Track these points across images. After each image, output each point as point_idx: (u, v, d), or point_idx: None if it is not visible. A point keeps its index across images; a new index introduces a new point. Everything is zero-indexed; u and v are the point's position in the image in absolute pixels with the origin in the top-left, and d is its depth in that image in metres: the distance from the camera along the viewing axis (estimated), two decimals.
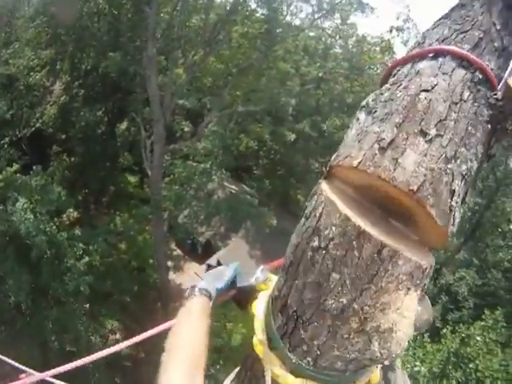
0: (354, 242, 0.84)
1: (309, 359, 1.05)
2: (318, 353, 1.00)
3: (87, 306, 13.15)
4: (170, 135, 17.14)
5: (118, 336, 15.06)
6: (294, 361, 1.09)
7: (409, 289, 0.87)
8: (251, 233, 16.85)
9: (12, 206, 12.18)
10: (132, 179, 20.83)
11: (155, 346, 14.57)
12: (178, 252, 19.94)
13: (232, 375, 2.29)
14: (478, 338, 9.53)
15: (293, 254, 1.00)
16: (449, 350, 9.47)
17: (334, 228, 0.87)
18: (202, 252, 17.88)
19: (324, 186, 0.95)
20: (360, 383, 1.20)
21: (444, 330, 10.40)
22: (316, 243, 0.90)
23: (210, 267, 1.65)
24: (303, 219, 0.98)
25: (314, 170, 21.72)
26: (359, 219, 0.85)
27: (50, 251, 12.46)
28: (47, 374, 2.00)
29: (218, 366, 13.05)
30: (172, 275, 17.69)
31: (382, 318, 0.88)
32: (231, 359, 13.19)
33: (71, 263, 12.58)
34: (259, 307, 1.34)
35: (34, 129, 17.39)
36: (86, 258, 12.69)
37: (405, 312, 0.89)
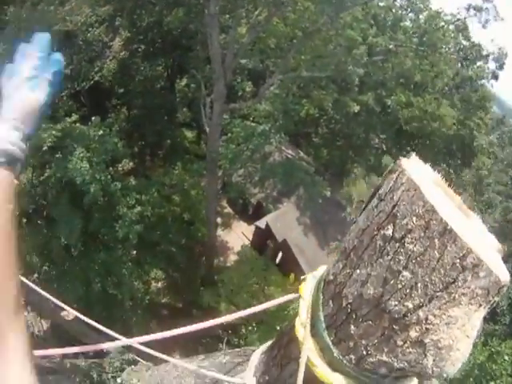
0: (437, 241, 0.72)
1: (352, 357, 0.97)
2: (364, 353, 0.92)
3: (134, 252, 13.60)
4: (230, 94, 17.01)
5: (159, 285, 15.84)
6: (335, 354, 1.01)
7: (480, 305, 0.76)
8: (303, 200, 16.65)
9: (69, 155, 12.56)
10: (188, 134, 21.07)
11: (196, 299, 15.33)
12: (229, 210, 20.37)
13: (263, 347, 2.23)
14: (506, 358, 9.07)
15: (358, 239, 0.88)
16: (475, 361, 9.08)
17: (414, 219, 0.73)
18: (252, 213, 18.06)
19: (406, 164, 0.80)
20: None
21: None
22: (389, 232, 0.77)
23: None
24: (376, 200, 0.85)
25: (374, 146, 20.91)
26: (445, 214, 0.71)
27: (103, 199, 12.88)
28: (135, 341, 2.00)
29: (250, 328, 13.42)
30: (219, 232, 18.05)
31: (445, 333, 0.78)
32: (265, 323, 13.52)
33: (123, 212, 12.93)
34: (307, 287, 1.24)
35: (92, 82, 17.75)
36: (138, 208, 12.98)
37: (469, 330, 0.79)
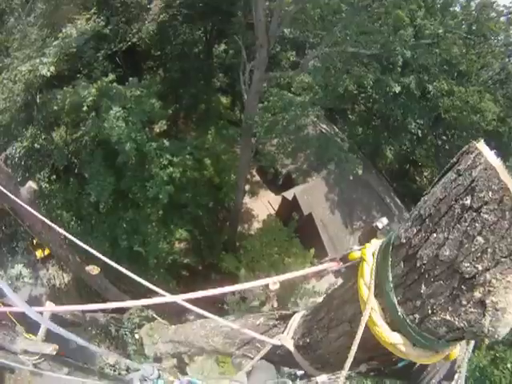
0: (508, 213, 0.83)
1: (416, 316, 1.06)
2: (430, 312, 1.02)
3: (161, 213, 13.83)
4: (270, 63, 16.80)
5: (182, 246, 16.23)
6: (399, 313, 1.11)
7: None
8: (333, 176, 16.62)
9: (105, 114, 12.63)
10: (223, 100, 21.01)
11: (216, 263, 15.72)
12: (257, 178, 20.62)
13: (304, 311, 2.31)
14: (509, 366, 9.02)
15: (434, 207, 0.98)
16: (478, 363, 9.09)
17: (490, 193, 0.85)
18: (281, 183, 18.12)
19: (481, 147, 0.93)
20: (442, 354, 1.24)
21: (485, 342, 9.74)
22: (468, 202, 0.89)
23: None
24: (454, 174, 0.95)
25: (411, 130, 20.34)
26: None
27: (137, 158, 13.06)
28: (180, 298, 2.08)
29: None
30: (246, 199, 18.21)
31: (503, 296, 0.88)
32: (286, 288, 13.72)
33: (155, 171, 13.13)
34: (369, 251, 1.36)
35: (129, 44, 17.72)
36: (170, 169, 13.18)
37: None
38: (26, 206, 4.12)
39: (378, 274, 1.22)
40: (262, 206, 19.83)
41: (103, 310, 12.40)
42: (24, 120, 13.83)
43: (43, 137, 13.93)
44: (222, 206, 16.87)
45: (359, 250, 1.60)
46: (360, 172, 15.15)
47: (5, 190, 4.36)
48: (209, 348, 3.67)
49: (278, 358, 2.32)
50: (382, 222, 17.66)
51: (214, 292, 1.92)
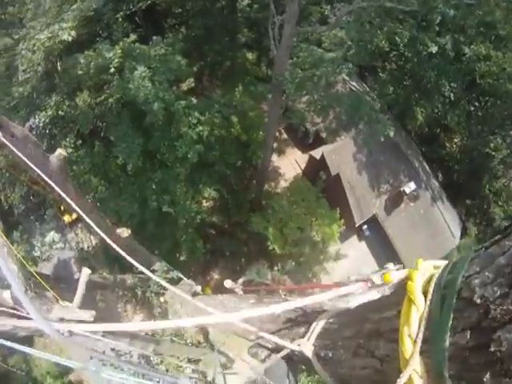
0: None
1: None
2: None
3: (189, 172, 13.76)
4: (299, 17, 15.90)
5: (209, 204, 16.20)
6: None
7: None
8: (362, 136, 16.16)
9: (129, 75, 12.32)
10: (249, 56, 20.29)
11: (243, 222, 15.72)
12: (285, 136, 20.22)
13: (328, 314, 2.05)
14: None
15: None
16: None
17: None
18: (311, 142, 17.78)
19: None
20: None
21: None
22: None
23: None
24: None
25: (443, 93, 19.38)
26: None
27: (164, 118, 12.79)
28: None
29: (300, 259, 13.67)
30: (273, 157, 18.01)
31: None
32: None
33: (184, 131, 12.90)
34: (417, 287, 1.12)
35: (148, 2, 17.02)
36: (200, 128, 12.94)
37: None
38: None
39: (429, 326, 0.95)
40: (289, 164, 19.58)
41: (131, 271, 12.64)
42: (46, 89, 13.72)
43: (67, 103, 13.84)
44: (249, 165, 16.68)
45: (396, 270, 1.43)
46: (391, 134, 14.63)
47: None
48: (227, 327, 3.56)
49: (296, 357, 2.14)
50: (410, 187, 17.31)
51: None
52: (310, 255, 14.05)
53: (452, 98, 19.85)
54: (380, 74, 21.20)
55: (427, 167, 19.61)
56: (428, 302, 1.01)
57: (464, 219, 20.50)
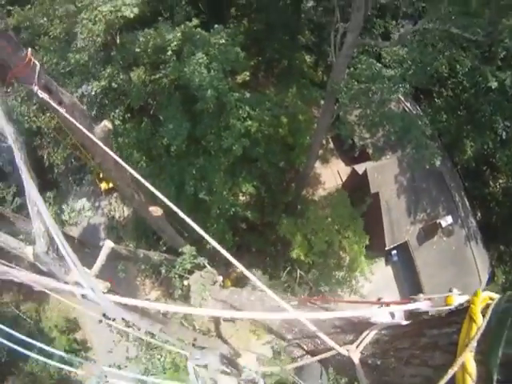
0: None
1: None
2: None
3: (231, 164, 13.74)
4: (363, 29, 15.64)
5: (245, 199, 16.15)
6: None
7: None
8: (407, 160, 15.78)
9: (187, 58, 12.35)
10: (307, 59, 20.11)
11: (275, 222, 15.57)
12: (331, 146, 20.09)
13: (381, 325, 2.21)
14: None
15: None
16: None
17: None
18: (356, 156, 17.58)
19: None
20: None
21: None
22: None
23: None
24: None
25: (496, 131, 18.74)
26: None
27: (215, 107, 12.78)
28: None
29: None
30: (316, 164, 17.86)
31: None
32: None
33: (232, 122, 12.89)
34: (479, 307, 1.37)
35: None
36: (249, 122, 12.90)
37: None
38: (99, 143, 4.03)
39: (486, 340, 1.16)
40: (331, 174, 19.44)
41: (157, 249, 12.63)
42: (102, 60, 13.88)
43: (121, 76, 13.90)
44: (291, 167, 16.56)
45: (460, 295, 1.68)
46: (438, 163, 14.24)
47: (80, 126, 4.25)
48: (262, 323, 3.56)
49: (334, 361, 2.25)
50: (446, 221, 16.80)
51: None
52: (334, 269, 13.81)
53: (504, 137, 19.19)
54: (435, 100, 20.66)
55: (467, 203, 18.96)
56: (485, 322, 1.21)
57: (494, 265, 19.73)
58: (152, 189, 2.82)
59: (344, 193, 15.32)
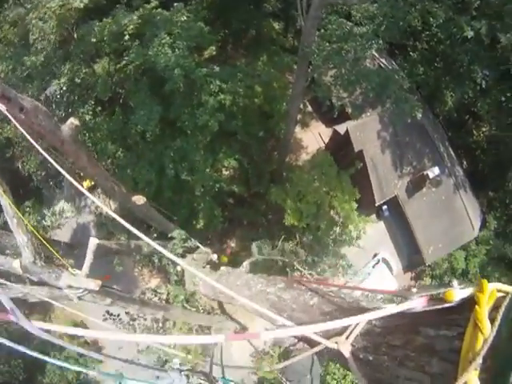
0: None
1: None
2: None
3: (209, 140, 13.54)
4: None
5: (229, 173, 16.03)
6: None
7: None
8: (388, 115, 15.66)
9: (149, 42, 12.13)
10: (276, 25, 19.75)
11: (262, 192, 15.51)
12: (310, 109, 19.81)
13: (371, 315, 1.89)
14: None
15: None
16: None
17: None
18: (336, 117, 17.53)
19: None
20: None
21: None
22: None
23: None
24: None
25: (475, 80, 18.67)
26: None
27: (185, 85, 12.52)
28: None
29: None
30: (296, 129, 17.67)
31: None
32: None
33: (205, 99, 12.66)
34: (486, 310, 1.13)
35: None
36: (221, 96, 12.65)
37: None
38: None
39: (495, 357, 0.98)
40: (313, 137, 19.24)
41: (150, 237, 12.50)
42: (62, 57, 13.51)
43: (84, 71, 13.63)
44: (271, 136, 16.39)
45: (461, 289, 1.41)
46: (419, 116, 14.18)
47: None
48: (251, 309, 3.39)
49: (328, 354, 2.08)
50: (433, 172, 16.81)
51: None
52: (327, 230, 13.84)
53: (484, 86, 19.11)
54: (411, 54, 20.43)
55: (452, 153, 18.99)
56: (494, 332, 1.02)
57: (485, 211, 19.95)
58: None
59: (328, 154, 15.22)
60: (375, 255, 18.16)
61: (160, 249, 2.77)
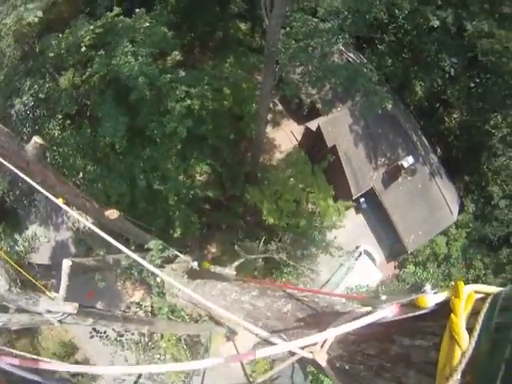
0: None
1: None
2: None
3: (180, 147, 13.35)
4: None
5: (203, 178, 15.91)
6: None
7: None
8: (359, 108, 15.77)
9: (112, 51, 11.96)
10: (242, 26, 19.72)
11: (238, 195, 15.42)
12: (280, 108, 19.82)
13: (346, 327, 1.82)
14: None
15: None
16: None
17: None
18: (306, 114, 17.60)
19: None
20: None
21: None
22: None
23: None
24: None
25: (443, 68, 18.96)
26: None
27: (151, 93, 12.37)
28: None
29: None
30: (268, 129, 17.69)
31: None
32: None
33: (171, 105, 12.49)
34: (463, 319, 1.04)
35: None
36: (188, 101, 12.49)
37: None
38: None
39: (475, 373, 0.88)
40: (285, 136, 19.23)
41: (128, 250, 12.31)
42: (25, 72, 13.25)
43: (47, 85, 13.30)
44: (243, 137, 16.29)
45: (435, 294, 1.30)
46: (389, 107, 14.30)
47: None
48: (228, 319, 3.34)
49: (307, 361, 1.99)
50: (408, 161, 17.01)
51: None
52: (307, 226, 13.88)
53: (452, 74, 19.46)
54: (378, 46, 20.63)
55: (426, 141, 19.27)
56: (474, 344, 0.94)
57: (462, 195, 20.31)
58: None
59: (301, 151, 15.27)
60: (357, 248, 18.29)
61: (137, 258, 2.70)
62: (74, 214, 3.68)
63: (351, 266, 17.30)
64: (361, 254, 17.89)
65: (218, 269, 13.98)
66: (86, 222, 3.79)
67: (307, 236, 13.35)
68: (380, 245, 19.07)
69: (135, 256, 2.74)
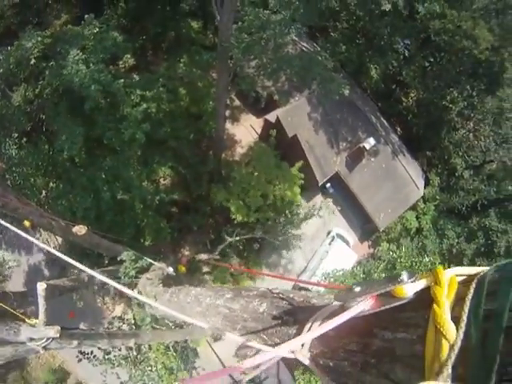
0: None
1: None
2: None
3: (140, 153, 13.26)
4: None
5: (167, 182, 15.84)
6: None
7: None
8: (316, 96, 15.95)
9: (62, 61, 11.63)
10: (194, 24, 19.44)
11: (204, 194, 15.43)
12: (237, 103, 19.78)
13: (324, 320, 1.83)
14: None
15: None
16: None
17: None
18: (264, 106, 17.60)
19: None
20: None
21: None
22: None
23: None
24: None
25: (397, 50, 19.38)
26: None
27: (105, 101, 12.21)
28: None
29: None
30: (227, 125, 17.68)
31: None
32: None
33: (127, 111, 12.37)
34: (445, 311, 0.94)
35: None
36: (144, 105, 12.40)
37: None
38: None
39: (467, 366, 0.81)
40: (245, 130, 19.25)
41: (99, 266, 12.18)
42: None
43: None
44: (203, 136, 16.19)
45: (412, 282, 1.15)
46: (346, 92, 14.56)
47: None
48: (208, 327, 3.29)
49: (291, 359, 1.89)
50: (369, 143, 17.37)
51: None
52: (277, 218, 14.03)
53: (406, 55, 19.95)
54: (331, 34, 20.91)
55: (385, 122, 19.71)
56: (462, 335, 0.85)
57: (426, 170, 20.93)
58: None
59: (262, 145, 15.35)
60: (329, 233, 18.62)
61: (100, 277, 2.73)
62: (34, 240, 3.63)
63: (326, 251, 17.62)
64: (334, 238, 18.22)
65: (201, 256, 14.05)
66: (45, 246, 3.74)
67: (277, 228, 13.53)
68: (351, 227, 19.48)
69: (97, 274, 2.76)
